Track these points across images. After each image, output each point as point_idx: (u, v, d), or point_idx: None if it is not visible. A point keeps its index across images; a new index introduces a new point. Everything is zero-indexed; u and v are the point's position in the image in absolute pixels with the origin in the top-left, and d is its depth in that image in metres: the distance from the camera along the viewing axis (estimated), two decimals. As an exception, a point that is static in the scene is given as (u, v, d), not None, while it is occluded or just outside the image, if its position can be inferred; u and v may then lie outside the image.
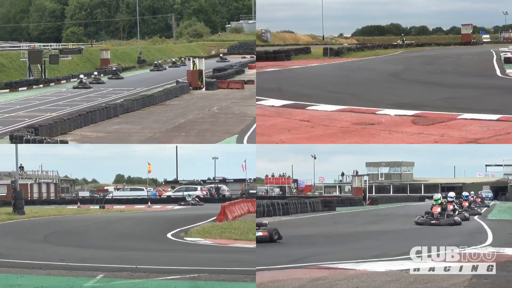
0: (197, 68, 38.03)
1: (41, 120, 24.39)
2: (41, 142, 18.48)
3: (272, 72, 35.57)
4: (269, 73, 34.78)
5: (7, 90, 39.45)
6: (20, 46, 60.13)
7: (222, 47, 77.94)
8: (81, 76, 44.55)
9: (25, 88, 41.29)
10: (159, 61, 62.79)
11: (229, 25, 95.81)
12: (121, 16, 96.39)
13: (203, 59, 40.88)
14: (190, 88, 36.93)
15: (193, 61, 38.36)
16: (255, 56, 63.12)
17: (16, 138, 19.52)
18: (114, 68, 56.04)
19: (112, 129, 23.09)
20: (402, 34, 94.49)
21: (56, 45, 68.18)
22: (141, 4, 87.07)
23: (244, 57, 68.05)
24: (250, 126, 22.45)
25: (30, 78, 44.42)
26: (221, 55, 71.72)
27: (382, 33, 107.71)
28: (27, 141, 18.83)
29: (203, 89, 37.51)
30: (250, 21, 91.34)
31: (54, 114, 26.35)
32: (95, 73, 49.43)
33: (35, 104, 32.09)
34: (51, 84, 44.26)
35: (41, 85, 43.01)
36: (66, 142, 19.11)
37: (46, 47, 58.17)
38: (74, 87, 41.68)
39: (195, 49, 75.49)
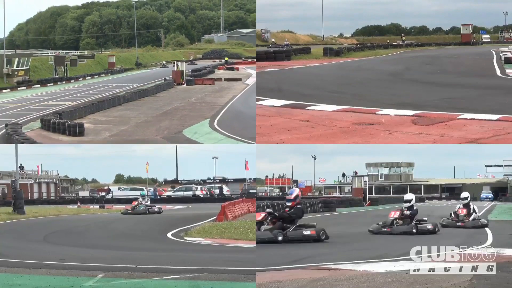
0: (180, 69, 46.63)
1: (64, 107, 29.80)
2: (64, 124, 22.64)
3: (272, 72, 35.57)
4: (269, 73, 34.77)
5: (39, 86, 48.51)
6: (48, 53, 72.88)
7: (198, 53, 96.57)
8: (164, 62, 71.58)
9: (52, 84, 50.17)
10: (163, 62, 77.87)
11: (203, 37, 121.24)
12: (123, 30, 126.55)
13: (184, 62, 51.74)
14: (174, 84, 44.79)
15: (177, 64, 47.13)
16: (223, 60, 75.96)
17: (45, 121, 23.93)
18: (184, 60, 73.85)
19: (116, 114, 28.24)
20: (402, 34, 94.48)
21: (75, 52, 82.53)
22: (138, 21, 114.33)
23: (214, 61, 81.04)
24: (219, 111, 28.64)
25: (56, 76, 54.05)
26: (192, 59, 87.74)
27: (382, 33, 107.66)
28: (54, 124, 23.14)
29: (184, 84, 45.42)
30: (219, 34, 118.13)
31: (74, 103, 32.16)
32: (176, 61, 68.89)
33: (59, 96, 38.82)
34: (71, 81, 53.79)
35: (64, 82, 52.28)
36: (82, 125, 22.73)
37: (68, 54, 71.19)
38: (160, 67, 68.28)
39: (178, 55, 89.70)
